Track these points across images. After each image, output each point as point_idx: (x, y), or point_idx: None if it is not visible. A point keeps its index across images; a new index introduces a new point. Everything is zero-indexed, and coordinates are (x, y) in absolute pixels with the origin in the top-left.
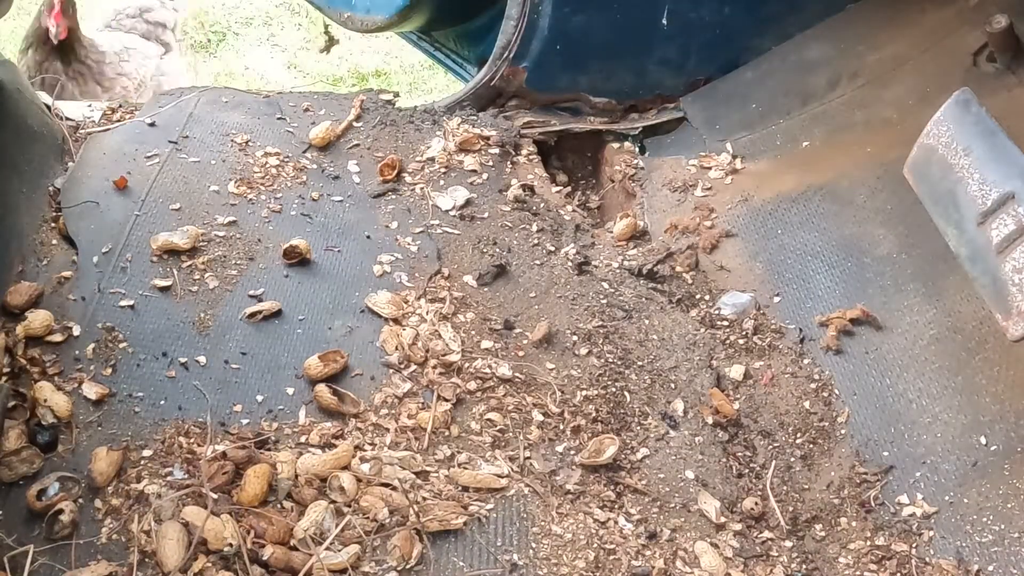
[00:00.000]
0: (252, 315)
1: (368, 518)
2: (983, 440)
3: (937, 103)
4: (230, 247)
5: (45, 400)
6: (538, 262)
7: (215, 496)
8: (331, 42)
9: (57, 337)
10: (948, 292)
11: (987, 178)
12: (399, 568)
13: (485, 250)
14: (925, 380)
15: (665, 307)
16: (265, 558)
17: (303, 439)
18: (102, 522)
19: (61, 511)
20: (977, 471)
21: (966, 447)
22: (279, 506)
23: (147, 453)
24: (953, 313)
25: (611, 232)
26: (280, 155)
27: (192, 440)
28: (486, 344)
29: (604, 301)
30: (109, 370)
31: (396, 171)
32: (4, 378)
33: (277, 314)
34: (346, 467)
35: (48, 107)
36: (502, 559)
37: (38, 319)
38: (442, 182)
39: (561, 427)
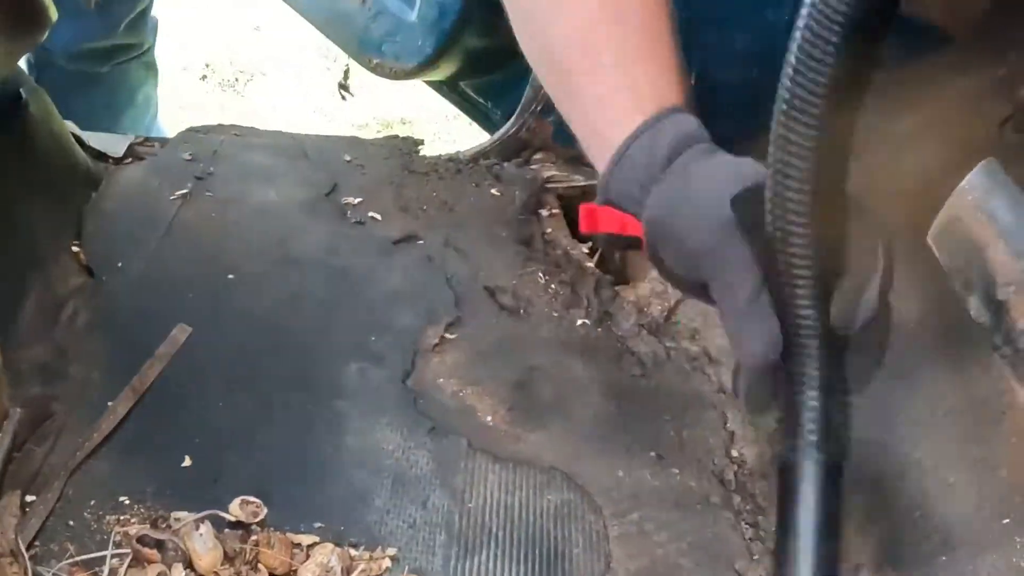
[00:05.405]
0: None
1: None
2: (999, 513)
3: (962, 172)
4: None
5: None
6: (555, 314)
7: None
8: (346, 88)
9: None
10: (968, 362)
11: (1012, 248)
12: None
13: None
14: (941, 451)
15: (681, 368)
16: None
17: None
18: None
19: None
20: (990, 543)
21: (980, 520)
22: None
23: None
24: (973, 383)
25: (633, 289)
26: (303, 196)
27: None
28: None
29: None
30: None
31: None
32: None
33: None
34: None
35: (75, 136)
36: None
37: None
38: None
39: None
